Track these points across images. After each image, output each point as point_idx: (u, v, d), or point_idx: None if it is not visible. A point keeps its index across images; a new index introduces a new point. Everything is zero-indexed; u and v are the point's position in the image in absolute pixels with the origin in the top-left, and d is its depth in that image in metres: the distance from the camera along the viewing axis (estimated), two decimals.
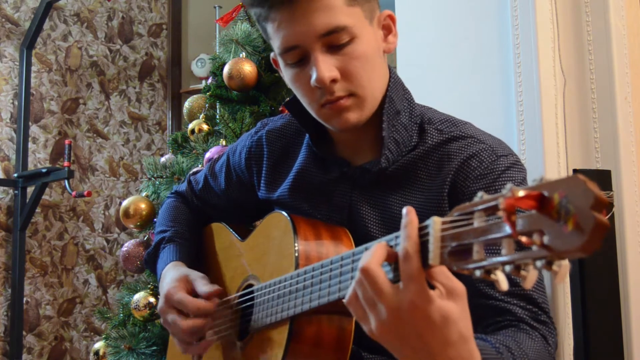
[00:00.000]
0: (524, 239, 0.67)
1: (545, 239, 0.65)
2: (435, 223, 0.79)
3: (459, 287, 0.83)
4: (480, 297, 1.09)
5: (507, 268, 0.69)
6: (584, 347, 1.51)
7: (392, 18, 1.19)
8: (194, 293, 1.24)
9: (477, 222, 0.72)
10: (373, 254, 0.84)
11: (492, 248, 0.72)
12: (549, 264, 0.66)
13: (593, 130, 1.82)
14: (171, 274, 1.30)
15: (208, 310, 1.21)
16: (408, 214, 0.84)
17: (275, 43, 1.13)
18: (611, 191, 1.62)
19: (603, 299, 1.54)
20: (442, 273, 0.83)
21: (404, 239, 0.82)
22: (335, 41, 1.08)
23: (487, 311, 1.08)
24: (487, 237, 0.71)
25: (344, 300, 0.88)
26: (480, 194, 0.73)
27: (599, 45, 1.82)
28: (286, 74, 1.17)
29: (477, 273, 0.72)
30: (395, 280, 0.84)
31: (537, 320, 1.08)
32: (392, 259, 0.85)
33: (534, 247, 0.66)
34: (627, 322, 1.70)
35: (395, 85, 1.20)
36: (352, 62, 1.10)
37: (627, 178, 1.78)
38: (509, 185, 0.68)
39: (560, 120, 1.81)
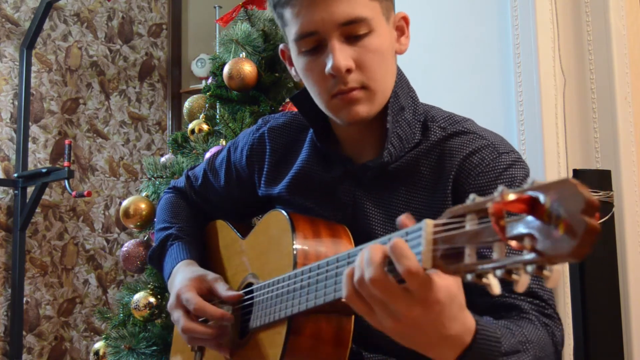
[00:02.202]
0: (513, 243, 0.66)
1: (536, 244, 0.64)
2: (427, 225, 0.78)
3: None
4: (487, 295, 1.08)
5: (498, 272, 0.68)
6: (584, 347, 1.51)
7: (406, 20, 1.20)
8: (206, 294, 1.24)
9: (469, 225, 0.71)
10: (378, 263, 0.83)
11: (484, 252, 0.72)
12: (539, 269, 0.65)
13: (593, 130, 1.82)
14: (185, 272, 1.30)
15: (213, 315, 1.20)
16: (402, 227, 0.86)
17: (292, 29, 1.13)
18: (611, 191, 1.61)
19: (603, 299, 1.54)
20: None
21: (402, 257, 0.81)
22: (353, 31, 1.09)
23: (494, 308, 1.08)
24: (478, 240, 0.70)
25: (343, 298, 0.88)
26: (472, 196, 0.73)
27: (599, 45, 1.82)
28: (298, 63, 1.16)
29: (469, 277, 0.71)
30: (398, 279, 0.84)
31: (544, 314, 1.08)
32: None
33: (525, 252, 0.65)
34: (627, 322, 1.71)
35: (401, 83, 1.21)
36: (368, 54, 1.11)
37: (627, 178, 1.78)
38: (500, 188, 0.68)
39: (560, 120, 1.81)
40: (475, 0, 1.98)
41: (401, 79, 1.22)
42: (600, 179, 1.59)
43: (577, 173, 1.57)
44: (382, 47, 1.12)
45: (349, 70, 1.10)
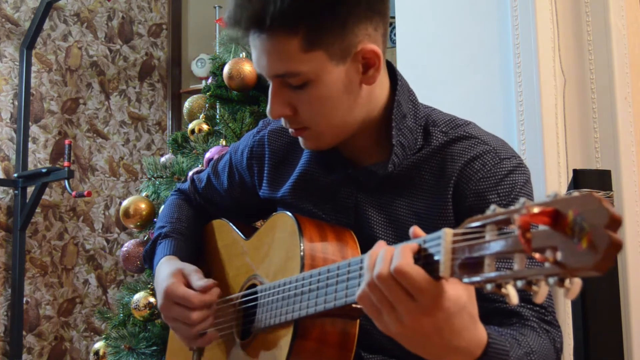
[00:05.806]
0: (537, 255, 0.66)
1: (559, 256, 0.65)
2: (446, 234, 0.78)
3: None
4: (486, 301, 1.08)
5: (519, 283, 0.69)
6: (584, 347, 1.51)
7: (376, 54, 1.11)
8: (189, 287, 1.24)
9: (489, 235, 0.72)
10: (389, 261, 0.84)
11: (504, 262, 0.72)
12: (561, 281, 0.66)
13: (593, 130, 1.82)
14: (165, 269, 1.30)
15: (211, 302, 1.21)
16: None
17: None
18: (611, 191, 1.61)
19: (603, 299, 1.54)
20: None
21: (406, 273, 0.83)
22: (288, 82, 1.11)
23: (495, 314, 1.08)
24: (499, 250, 0.71)
25: (356, 297, 0.88)
26: (492, 207, 0.73)
27: (599, 45, 1.82)
28: None
29: (488, 286, 0.72)
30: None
31: (544, 321, 1.09)
32: None
33: (547, 264, 0.66)
34: (626, 322, 1.70)
35: (402, 89, 1.20)
36: (305, 103, 1.12)
37: (627, 178, 1.78)
38: (522, 200, 0.68)
39: (560, 120, 1.81)
40: (475, 0, 1.98)
41: (402, 85, 1.21)
42: (600, 179, 1.58)
43: (577, 173, 1.57)
44: (325, 93, 1.10)
45: (286, 116, 1.13)
